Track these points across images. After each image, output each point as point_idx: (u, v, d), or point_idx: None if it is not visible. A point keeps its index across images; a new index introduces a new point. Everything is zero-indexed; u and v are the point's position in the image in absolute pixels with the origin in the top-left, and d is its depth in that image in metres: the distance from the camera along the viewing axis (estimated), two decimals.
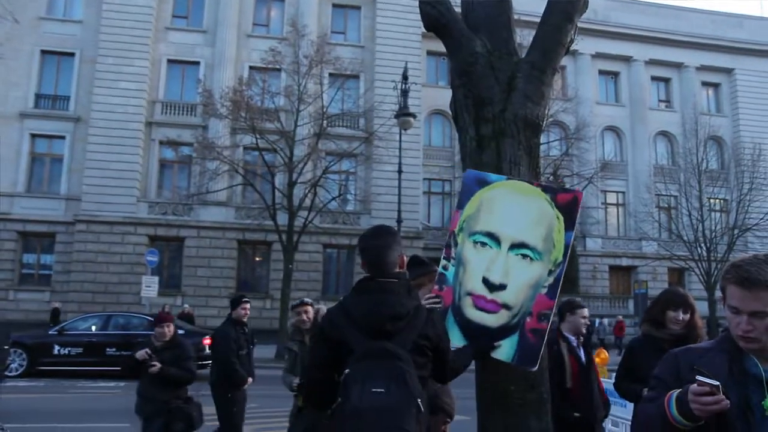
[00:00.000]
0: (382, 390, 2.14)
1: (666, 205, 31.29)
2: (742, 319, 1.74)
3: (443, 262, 3.09)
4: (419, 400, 2.18)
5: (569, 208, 2.98)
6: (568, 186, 28.79)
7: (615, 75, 34.05)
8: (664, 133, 33.86)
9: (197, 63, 26.83)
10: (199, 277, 25.03)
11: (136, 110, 25.35)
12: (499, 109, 3.80)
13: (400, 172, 19.91)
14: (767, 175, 28.03)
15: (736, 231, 26.88)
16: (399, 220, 19.15)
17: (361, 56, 27.76)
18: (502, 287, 2.90)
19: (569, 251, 2.96)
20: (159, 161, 26.41)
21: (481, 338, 2.90)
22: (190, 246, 25.31)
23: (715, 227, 27.55)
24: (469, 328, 2.94)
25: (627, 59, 33.56)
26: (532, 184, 3.08)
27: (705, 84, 35.11)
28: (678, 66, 34.34)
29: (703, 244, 26.78)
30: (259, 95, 22.90)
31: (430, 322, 2.39)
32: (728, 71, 34.84)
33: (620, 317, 27.23)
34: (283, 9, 27.85)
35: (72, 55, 26.20)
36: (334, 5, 28.50)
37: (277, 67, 23.18)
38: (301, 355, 5.16)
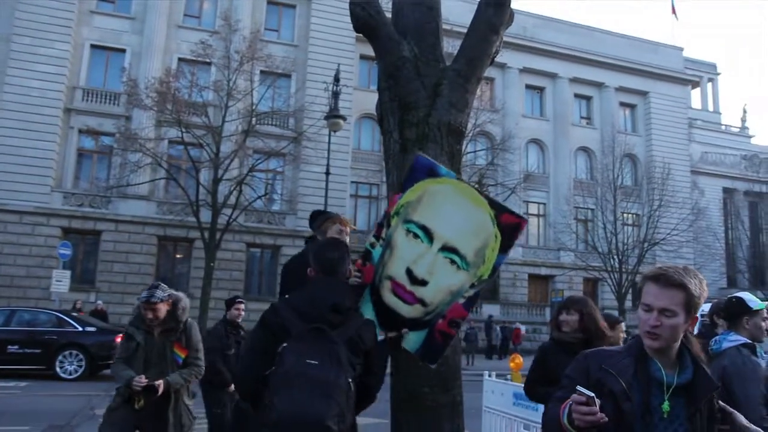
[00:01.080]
0: (316, 362, 2.24)
1: (583, 218, 32.70)
2: (652, 316, 1.84)
3: (371, 239, 3.11)
4: (350, 379, 2.29)
5: (510, 232, 3.00)
6: (492, 195, 29.67)
7: (541, 90, 35.27)
8: (584, 149, 35.34)
9: (123, 50, 25.77)
10: (115, 273, 24.02)
11: (54, 95, 24.04)
12: (423, 114, 3.87)
13: (327, 173, 19.85)
14: (674, 193, 29.80)
15: (645, 244, 28.38)
16: None
17: (294, 55, 27.52)
18: (423, 283, 2.91)
19: (496, 273, 3.02)
20: (77, 150, 25.14)
21: (390, 325, 2.93)
22: (106, 240, 24.26)
23: (627, 240, 29.01)
24: (381, 310, 2.97)
25: (552, 76, 34.85)
26: (481, 194, 3.07)
27: (623, 104, 36.94)
28: (599, 85, 35.99)
29: (615, 256, 28.13)
30: (187, 88, 22.32)
31: (367, 327, 2.52)
32: (643, 93, 36.81)
33: (517, 324, 27.83)
34: (216, 2, 27.22)
35: None
36: (269, 2, 28.13)
37: (207, 60, 22.65)
38: (145, 348, 4.37)
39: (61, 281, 19.44)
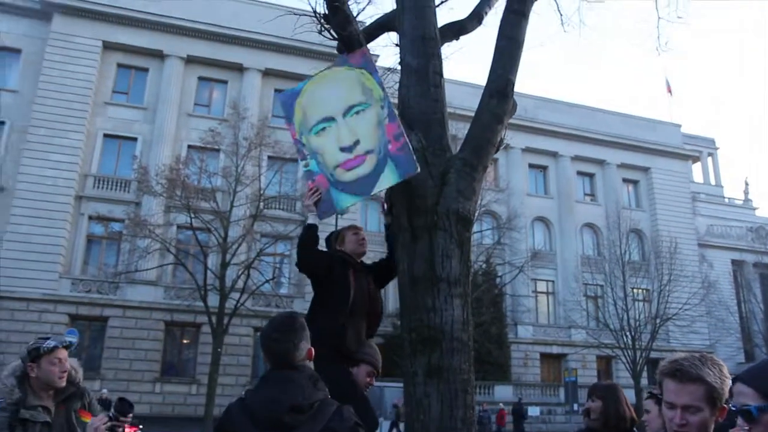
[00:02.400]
0: None
1: (593, 294, 32.37)
2: (676, 413, 1.81)
3: (302, 162, 3.81)
4: None
5: (364, 60, 3.78)
6: (500, 275, 29.58)
7: (544, 169, 35.82)
8: (589, 225, 35.47)
9: (135, 139, 26.60)
10: (121, 360, 23.69)
11: (65, 183, 24.60)
12: (432, 202, 3.96)
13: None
14: (683, 267, 29.62)
15: (658, 320, 27.93)
16: None
17: None
18: (357, 143, 3.65)
19: (383, 84, 3.78)
20: (86, 236, 25.44)
21: (366, 185, 3.61)
22: (113, 326, 24.09)
23: (639, 316, 28.59)
24: (353, 187, 3.64)
25: (554, 154, 35.50)
26: (329, 69, 3.84)
27: (625, 180, 37.38)
28: (600, 163, 36.56)
29: (628, 333, 27.63)
30: (196, 174, 22.79)
31: (338, 416, 2.16)
32: (645, 169, 37.32)
33: (501, 405, 26.07)
34: (226, 91, 28.28)
35: (2, 123, 25.50)
36: (276, 90, 29.18)
37: (216, 147, 23.26)
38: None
39: None
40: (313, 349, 2.35)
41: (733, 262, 38.47)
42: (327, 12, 3.98)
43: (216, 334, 20.54)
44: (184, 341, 25.57)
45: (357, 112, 3.68)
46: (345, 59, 3.85)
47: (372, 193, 3.66)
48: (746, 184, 48.36)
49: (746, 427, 1.69)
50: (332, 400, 2.23)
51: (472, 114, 4.30)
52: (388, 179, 3.61)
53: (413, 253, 3.91)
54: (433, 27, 4.40)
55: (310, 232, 3.55)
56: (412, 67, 4.28)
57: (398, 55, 4.65)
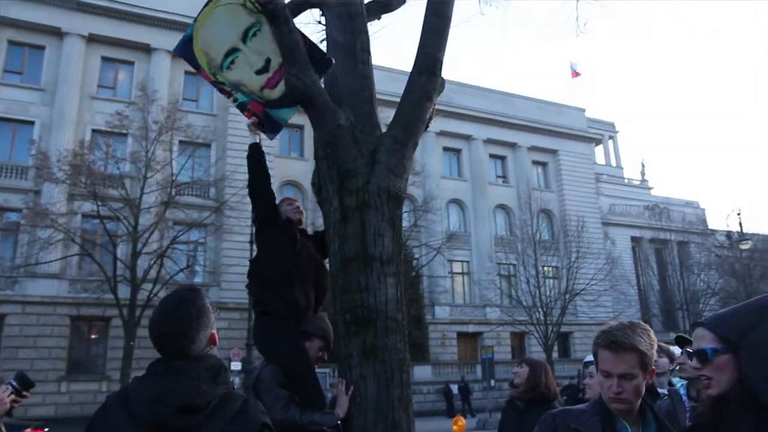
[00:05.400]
0: None
1: (506, 273, 33.51)
2: (613, 382, 1.90)
3: (229, 99, 3.92)
4: None
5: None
6: (417, 257, 30.04)
7: (458, 152, 36.56)
8: (502, 206, 36.61)
9: (32, 122, 24.77)
10: (21, 360, 22.17)
11: None
12: (363, 181, 3.88)
13: (252, 242, 19.52)
14: (589, 244, 31.16)
15: (567, 296, 29.30)
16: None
17: (214, 125, 27.35)
18: (268, 61, 3.81)
19: None
20: None
21: (296, 95, 3.77)
22: (11, 324, 22.49)
23: (550, 293, 29.88)
24: (284, 98, 3.83)
25: (468, 138, 36.28)
26: (205, 6, 3.86)
27: (535, 162, 38.82)
28: (512, 146, 37.74)
29: (540, 309, 28.83)
30: (103, 160, 21.59)
31: (241, 417, 1.77)
32: (553, 152, 38.89)
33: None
34: (132, 72, 26.90)
35: None
36: (187, 72, 28.05)
37: (124, 131, 22.11)
38: None
39: None
40: (216, 334, 1.94)
41: (633, 238, 40.94)
42: None
43: (128, 327, 19.68)
44: (93, 336, 24.33)
45: (254, 34, 3.79)
46: None
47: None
48: (643, 165, 51.60)
49: (698, 366, 1.80)
50: (237, 394, 1.84)
51: (397, 99, 4.26)
52: (286, 113, 3.90)
53: (344, 233, 3.83)
54: (360, 2, 4.31)
55: (256, 147, 3.74)
56: (339, 43, 4.17)
57: (321, 34, 4.53)
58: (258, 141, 3.81)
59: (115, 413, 1.76)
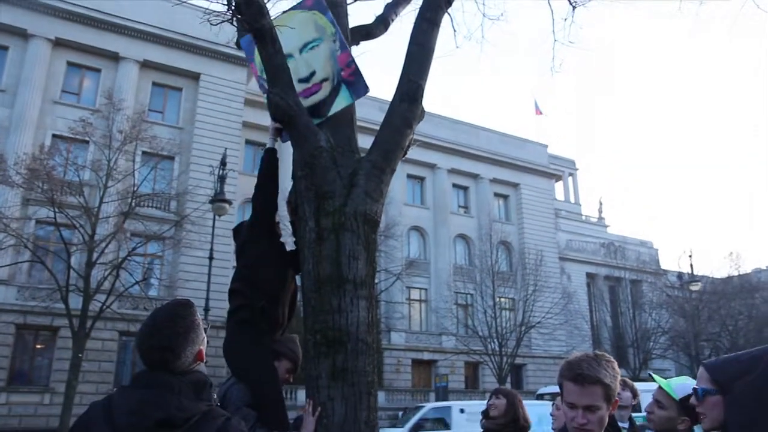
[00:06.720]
0: None
1: (464, 303, 33.75)
2: (578, 413, 1.98)
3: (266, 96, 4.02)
4: None
5: (315, 2, 4.11)
6: (376, 282, 30.00)
7: (422, 180, 36.92)
8: (462, 236, 36.99)
9: None
10: None
11: None
12: (340, 203, 3.92)
13: (211, 258, 19.23)
14: (546, 278, 31.69)
15: (523, 328, 29.64)
16: (207, 309, 18.30)
17: (179, 138, 27.03)
18: (313, 74, 4.04)
19: (334, 20, 4.08)
20: None
21: (323, 108, 3.99)
22: None
23: (506, 324, 30.18)
24: (312, 111, 3.95)
25: (432, 166, 36.70)
26: (284, 13, 4.16)
27: (497, 195, 39.47)
28: (475, 177, 38.32)
29: (495, 339, 29.07)
30: (62, 166, 21.07)
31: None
32: (515, 185, 39.64)
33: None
34: (99, 80, 26.45)
35: None
36: (155, 83, 27.75)
37: (86, 138, 21.64)
38: None
39: None
40: (204, 350, 1.93)
41: (588, 274, 41.79)
42: (238, 3, 3.84)
43: (77, 339, 19.02)
44: (38, 346, 23.47)
45: (312, 48, 4.06)
46: (298, 3, 4.16)
47: (329, 114, 3.99)
48: (600, 203, 52.89)
49: (695, 402, 1.97)
50: (219, 412, 1.84)
51: (376, 126, 4.33)
52: (342, 101, 4.02)
53: (319, 254, 3.85)
54: (345, 27, 4.39)
55: (274, 152, 3.78)
56: None
57: None
58: (275, 146, 3.89)
59: (97, 422, 1.77)
